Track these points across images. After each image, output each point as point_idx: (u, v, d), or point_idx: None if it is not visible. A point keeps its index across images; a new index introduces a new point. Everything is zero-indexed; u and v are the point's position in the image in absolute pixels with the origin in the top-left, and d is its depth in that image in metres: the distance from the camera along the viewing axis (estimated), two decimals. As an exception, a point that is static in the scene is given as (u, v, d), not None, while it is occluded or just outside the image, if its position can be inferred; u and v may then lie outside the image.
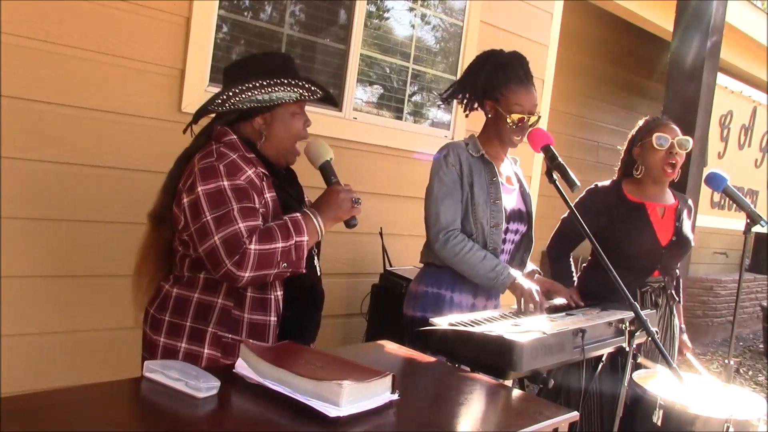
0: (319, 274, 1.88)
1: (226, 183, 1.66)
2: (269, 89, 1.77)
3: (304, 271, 1.70)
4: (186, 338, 1.72)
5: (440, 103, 2.41)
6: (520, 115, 2.18)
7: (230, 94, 1.77)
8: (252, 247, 1.59)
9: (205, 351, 1.70)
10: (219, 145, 1.73)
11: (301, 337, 1.81)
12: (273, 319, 1.73)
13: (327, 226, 1.75)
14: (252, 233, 1.62)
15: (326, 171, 1.84)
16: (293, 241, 1.65)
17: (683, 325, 2.73)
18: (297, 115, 1.84)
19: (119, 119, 2.49)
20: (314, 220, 1.72)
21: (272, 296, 1.73)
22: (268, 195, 1.74)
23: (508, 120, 2.18)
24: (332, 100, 1.99)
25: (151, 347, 1.78)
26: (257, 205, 1.69)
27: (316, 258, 1.87)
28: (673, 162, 2.51)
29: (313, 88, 1.82)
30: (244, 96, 1.76)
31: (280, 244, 1.63)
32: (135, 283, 1.88)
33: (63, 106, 2.36)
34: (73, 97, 2.38)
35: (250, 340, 1.67)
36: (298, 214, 1.71)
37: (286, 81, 1.79)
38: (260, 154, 1.80)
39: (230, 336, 1.71)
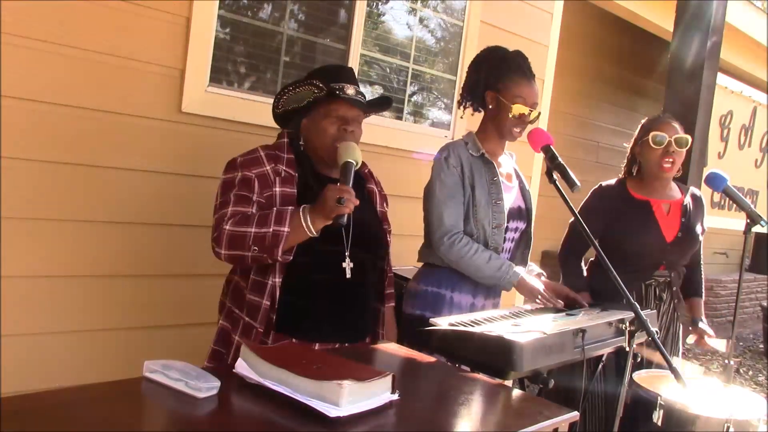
0: (348, 276, 1.90)
1: (238, 174, 1.86)
2: (295, 89, 1.97)
3: (279, 259, 1.77)
4: (224, 314, 1.97)
5: (462, 111, 2.40)
6: (522, 108, 2.18)
7: (279, 95, 2.01)
8: (227, 228, 1.77)
9: (221, 322, 1.95)
10: (262, 145, 1.95)
11: (318, 330, 1.89)
12: (267, 302, 1.84)
13: (316, 223, 1.76)
14: (233, 217, 1.79)
15: (342, 172, 1.84)
16: (269, 230, 1.74)
17: (704, 319, 2.72)
18: (328, 117, 1.93)
19: (119, 119, 2.49)
20: (301, 215, 1.76)
21: (269, 282, 1.83)
22: (278, 189, 1.86)
23: (511, 112, 2.17)
24: (361, 103, 2.01)
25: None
26: (254, 196, 1.83)
27: (347, 260, 1.90)
28: (670, 160, 2.51)
29: (320, 85, 1.91)
30: (285, 97, 2.00)
31: (252, 230, 1.75)
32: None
33: (63, 106, 2.36)
34: (73, 97, 2.38)
35: (241, 316, 1.88)
36: (288, 208, 1.79)
37: (309, 82, 1.95)
38: (303, 154, 1.96)
39: (237, 311, 1.91)
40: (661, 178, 2.58)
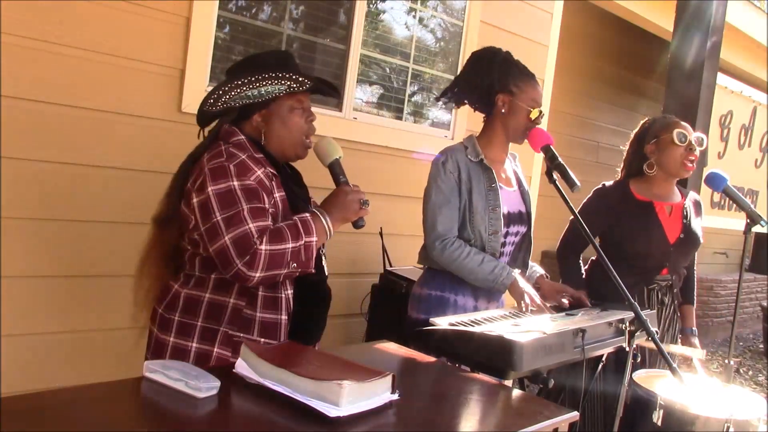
0: (326, 274, 1.87)
1: (236, 183, 1.64)
2: (257, 84, 1.74)
3: (313, 270, 1.70)
4: (197, 338, 1.71)
5: (443, 106, 2.38)
6: (537, 111, 2.19)
7: (220, 93, 1.76)
8: (263, 247, 1.59)
9: (215, 350, 1.70)
10: (228, 146, 1.72)
11: (308, 336, 1.82)
12: (284, 317, 1.73)
13: (335, 226, 1.74)
14: (262, 233, 1.61)
15: (335, 170, 1.82)
16: (303, 242, 1.65)
17: (695, 328, 2.72)
18: (295, 110, 1.80)
19: (119, 119, 2.49)
20: (323, 220, 1.71)
21: (283, 295, 1.72)
22: (278, 194, 1.73)
23: (531, 114, 2.18)
24: (328, 91, 1.91)
25: (159, 347, 1.76)
26: (267, 206, 1.68)
27: (323, 258, 1.86)
28: (692, 158, 2.52)
29: (300, 79, 1.77)
30: (233, 93, 1.75)
31: (290, 245, 1.62)
32: (136, 284, 1.86)
33: (63, 106, 2.36)
34: (73, 97, 2.38)
35: (252, 339, 1.70)
36: (307, 215, 1.70)
37: (273, 75, 1.74)
38: (267, 153, 1.79)
39: (242, 335, 1.69)
40: (678, 176, 2.58)
